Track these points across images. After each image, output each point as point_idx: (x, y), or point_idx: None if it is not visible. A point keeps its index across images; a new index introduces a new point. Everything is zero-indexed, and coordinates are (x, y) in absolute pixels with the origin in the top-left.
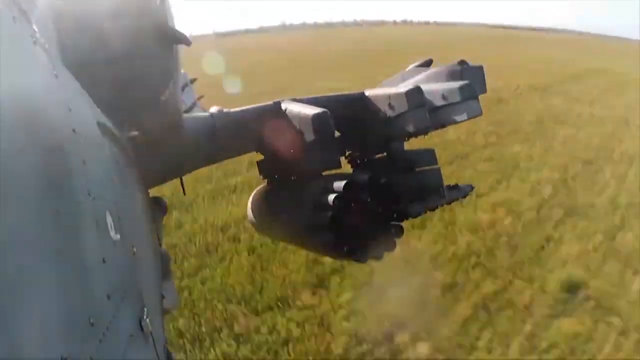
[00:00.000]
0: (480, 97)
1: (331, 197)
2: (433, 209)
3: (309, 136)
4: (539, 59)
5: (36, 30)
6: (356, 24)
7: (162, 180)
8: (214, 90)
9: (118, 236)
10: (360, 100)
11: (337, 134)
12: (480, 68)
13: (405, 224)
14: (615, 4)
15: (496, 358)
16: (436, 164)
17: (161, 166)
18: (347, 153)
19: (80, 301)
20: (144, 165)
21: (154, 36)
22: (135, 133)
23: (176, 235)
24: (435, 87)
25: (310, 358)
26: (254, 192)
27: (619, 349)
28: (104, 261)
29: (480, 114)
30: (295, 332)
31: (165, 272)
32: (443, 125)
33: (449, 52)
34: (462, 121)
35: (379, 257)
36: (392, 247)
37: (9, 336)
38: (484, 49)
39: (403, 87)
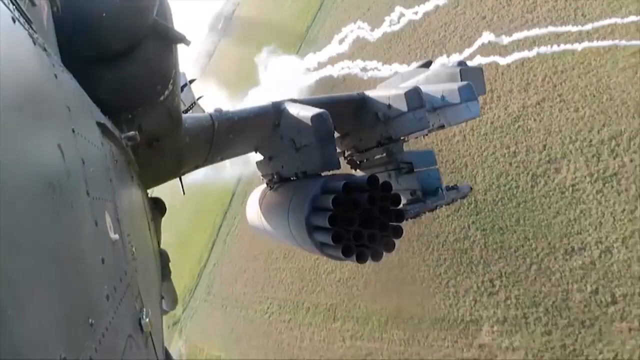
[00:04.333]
0: None
1: (330, 197)
2: (432, 210)
3: (309, 136)
4: None
5: (36, 30)
6: None
7: (162, 180)
8: None
9: (117, 236)
10: (360, 100)
11: (336, 134)
12: (480, 69)
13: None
14: None
15: None
16: (435, 164)
17: (161, 166)
18: (346, 153)
19: (80, 301)
20: (143, 165)
21: (154, 37)
22: (135, 133)
23: None
24: (434, 88)
25: None
26: (254, 191)
27: None
28: (103, 261)
29: (479, 115)
30: None
31: (164, 273)
32: (442, 127)
33: None
34: (461, 122)
35: (378, 259)
36: (390, 247)
37: (9, 336)
38: None
39: (402, 88)
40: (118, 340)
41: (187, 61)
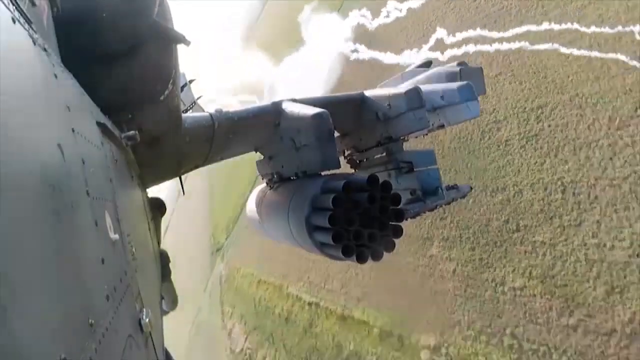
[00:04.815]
0: None
1: (330, 197)
2: (432, 210)
3: (309, 136)
4: None
5: (35, 30)
6: None
7: (162, 179)
8: None
9: (117, 236)
10: (360, 100)
11: (336, 134)
12: (480, 69)
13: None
14: None
15: None
16: (435, 164)
17: (161, 166)
18: (346, 153)
19: (80, 302)
20: (144, 165)
21: (154, 37)
22: (135, 133)
23: None
24: (434, 88)
25: None
26: (254, 191)
27: None
28: (103, 262)
29: (479, 115)
30: None
31: (164, 273)
32: (442, 126)
33: None
34: (461, 122)
35: (378, 258)
36: (390, 247)
37: (9, 336)
38: None
39: (403, 88)
40: (118, 340)
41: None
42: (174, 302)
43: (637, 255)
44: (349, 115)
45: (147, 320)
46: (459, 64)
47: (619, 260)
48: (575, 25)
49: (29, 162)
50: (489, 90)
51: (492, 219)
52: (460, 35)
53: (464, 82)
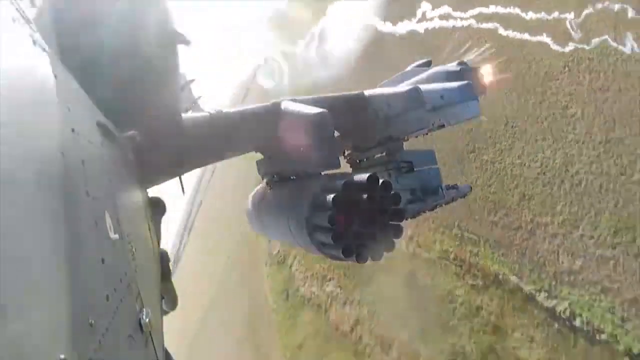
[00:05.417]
0: None
1: (330, 197)
2: (432, 209)
3: (309, 136)
4: None
5: (35, 30)
6: None
7: (162, 180)
8: None
9: (117, 236)
10: (360, 100)
11: (336, 133)
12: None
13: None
14: None
15: None
16: (435, 164)
17: (161, 166)
18: (346, 153)
19: (80, 302)
20: (143, 165)
21: (154, 37)
22: (135, 133)
23: None
24: (434, 87)
25: None
26: (254, 191)
27: None
28: (103, 262)
29: (479, 114)
30: None
31: (164, 273)
32: (442, 126)
33: None
34: (461, 122)
35: (377, 258)
36: (391, 247)
37: (9, 336)
38: None
39: (403, 87)
40: (118, 340)
41: None
42: (174, 302)
43: (544, 173)
44: (349, 115)
45: (147, 320)
46: (459, 63)
47: (531, 176)
48: (517, 10)
49: (29, 163)
50: None
51: (459, 143)
52: (437, 11)
53: (464, 82)
